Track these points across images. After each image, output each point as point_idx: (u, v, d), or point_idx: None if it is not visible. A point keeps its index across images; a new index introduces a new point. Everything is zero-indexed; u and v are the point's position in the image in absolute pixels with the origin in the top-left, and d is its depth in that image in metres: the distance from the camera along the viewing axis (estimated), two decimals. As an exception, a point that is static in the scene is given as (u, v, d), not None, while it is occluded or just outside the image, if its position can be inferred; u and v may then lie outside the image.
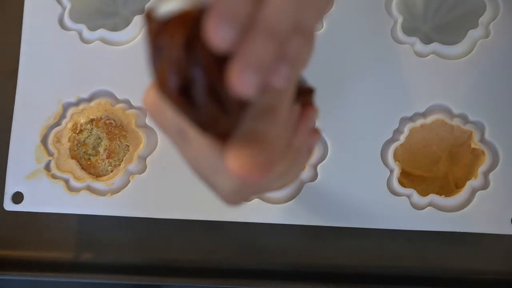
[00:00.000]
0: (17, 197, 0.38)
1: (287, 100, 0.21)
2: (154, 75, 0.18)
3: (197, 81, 0.17)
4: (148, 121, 0.39)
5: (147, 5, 0.38)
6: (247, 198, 0.24)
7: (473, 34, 0.39)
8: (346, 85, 0.39)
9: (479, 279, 0.41)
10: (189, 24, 0.17)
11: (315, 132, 0.25)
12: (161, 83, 0.18)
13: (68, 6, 0.41)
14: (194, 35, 0.17)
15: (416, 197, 0.37)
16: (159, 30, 0.17)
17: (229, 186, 0.21)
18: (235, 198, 0.23)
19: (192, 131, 0.20)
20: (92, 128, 0.39)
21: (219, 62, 0.17)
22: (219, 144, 0.19)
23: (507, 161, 0.37)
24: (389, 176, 0.37)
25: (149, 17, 0.18)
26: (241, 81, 0.16)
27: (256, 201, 0.37)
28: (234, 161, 0.18)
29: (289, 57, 0.18)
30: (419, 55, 0.39)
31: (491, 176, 0.37)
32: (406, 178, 0.40)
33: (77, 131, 0.39)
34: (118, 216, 0.38)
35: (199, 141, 0.20)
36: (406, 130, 0.38)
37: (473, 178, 0.37)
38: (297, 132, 0.23)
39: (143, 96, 0.22)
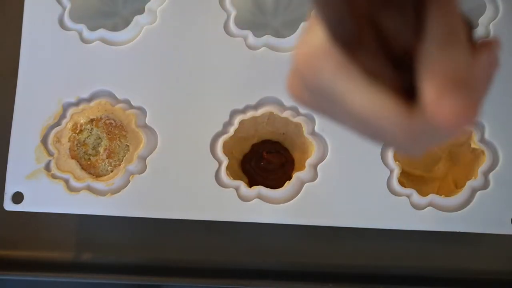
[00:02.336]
0: (17, 197, 0.38)
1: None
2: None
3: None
4: (148, 121, 0.39)
5: None
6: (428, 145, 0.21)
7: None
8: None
9: (479, 279, 0.41)
10: None
11: (495, 60, 0.21)
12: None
13: (68, 6, 0.41)
14: None
15: (416, 197, 0.37)
16: None
17: (409, 137, 0.18)
18: (418, 147, 0.20)
19: (353, 89, 0.18)
20: (92, 128, 0.39)
21: None
22: (393, 96, 0.17)
23: (507, 161, 0.37)
24: (389, 176, 0.37)
25: None
26: None
27: (256, 201, 0.37)
28: (444, 109, 0.16)
29: None
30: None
31: (491, 176, 0.37)
32: (406, 178, 0.40)
33: (77, 131, 0.39)
34: (118, 216, 0.38)
35: (364, 99, 0.18)
36: (406, 130, 0.38)
37: (473, 178, 0.37)
38: (479, 63, 0.19)
39: (295, 51, 0.19)
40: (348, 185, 0.38)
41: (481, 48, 0.19)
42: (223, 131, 0.39)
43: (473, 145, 0.38)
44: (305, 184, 0.38)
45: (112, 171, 0.39)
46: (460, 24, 0.17)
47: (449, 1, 0.17)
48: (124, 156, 0.39)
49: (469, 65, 0.17)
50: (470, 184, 0.37)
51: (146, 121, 0.39)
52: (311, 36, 0.19)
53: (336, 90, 0.18)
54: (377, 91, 0.18)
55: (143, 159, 0.39)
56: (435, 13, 0.17)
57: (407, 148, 0.20)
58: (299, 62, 0.19)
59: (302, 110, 0.39)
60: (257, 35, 0.40)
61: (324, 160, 0.38)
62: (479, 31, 0.39)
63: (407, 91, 0.18)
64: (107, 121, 0.39)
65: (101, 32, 0.40)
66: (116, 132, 0.39)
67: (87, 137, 0.39)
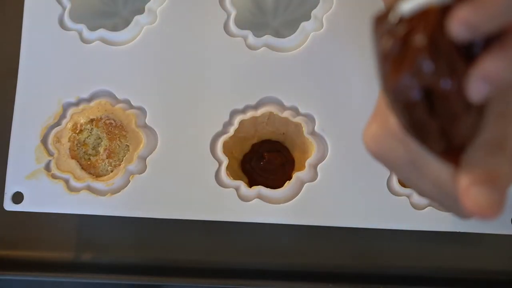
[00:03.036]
0: (17, 197, 0.38)
1: None
2: (386, 80, 0.18)
3: (442, 88, 0.16)
4: (148, 121, 0.39)
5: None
6: None
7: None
8: (346, 85, 0.39)
9: (479, 279, 0.41)
10: (432, 23, 0.16)
11: None
12: (397, 88, 0.17)
13: (68, 6, 0.41)
14: (438, 36, 0.16)
15: (416, 197, 0.37)
16: (396, 31, 0.17)
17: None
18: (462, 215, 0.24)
19: (425, 159, 0.20)
20: (92, 128, 0.39)
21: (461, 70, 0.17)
22: (453, 166, 0.20)
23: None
24: (389, 176, 0.37)
25: (380, 20, 0.17)
26: (477, 88, 0.17)
27: (256, 201, 0.37)
28: (469, 200, 0.18)
29: None
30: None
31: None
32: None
33: (77, 131, 0.39)
34: (118, 216, 0.38)
35: (434, 168, 0.20)
36: (406, 130, 0.38)
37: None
38: None
39: (365, 131, 0.22)
40: (348, 185, 0.38)
41: None
42: (223, 131, 0.39)
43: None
44: (305, 184, 0.38)
45: (112, 171, 0.39)
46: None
47: (509, 114, 0.19)
48: (124, 156, 0.39)
49: (508, 168, 0.20)
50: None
51: (146, 121, 0.39)
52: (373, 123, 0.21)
53: (400, 168, 0.22)
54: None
55: (143, 159, 0.39)
56: (493, 120, 0.19)
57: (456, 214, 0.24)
58: (369, 145, 0.22)
59: (302, 110, 0.39)
60: (257, 35, 0.40)
61: (324, 160, 0.38)
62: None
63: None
64: (107, 121, 0.39)
65: (101, 32, 0.40)
66: (116, 132, 0.39)
67: (87, 137, 0.39)
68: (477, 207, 0.18)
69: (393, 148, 0.21)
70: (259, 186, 0.37)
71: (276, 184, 0.38)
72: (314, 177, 0.38)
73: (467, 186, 0.19)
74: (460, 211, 0.22)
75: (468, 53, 0.17)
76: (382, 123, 0.21)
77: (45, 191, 0.38)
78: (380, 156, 0.22)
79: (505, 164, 0.19)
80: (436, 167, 0.20)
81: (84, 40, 0.40)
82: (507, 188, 0.19)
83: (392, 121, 0.20)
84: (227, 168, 0.38)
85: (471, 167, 0.19)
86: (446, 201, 0.22)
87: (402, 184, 0.38)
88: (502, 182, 0.19)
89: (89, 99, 0.40)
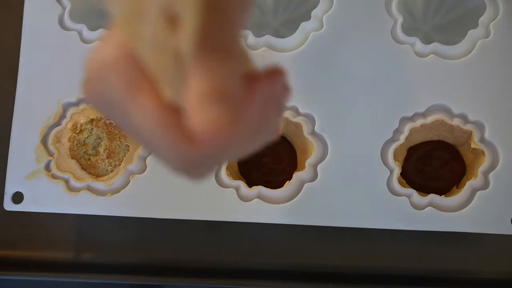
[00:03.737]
0: (17, 197, 0.38)
1: (238, 32, 0.19)
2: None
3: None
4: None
5: None
6: (212, 166, 0.21)
7: (473, 34, 0.39)
8: (346, 85, 0.39)
9: (479, 279, 0.41)
10: None
11: (285, 88, 0.21)
12: None
13: (68, 6, 0.41)
14: None
15: (416, 197, 0.37)
16: None
17: (191, 153, 0.18)
18: (199, 168, 0.20)
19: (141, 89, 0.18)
20: (92, 128, 0.39)
21: None
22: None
23: (507, 161, 0.37)
24: (389, 176, 0.37)
25: None
26: None
27: (256, 201, 0.37)
28: (200, 125, 0.16)
29: None
30: (419, 55, 0.39)
31: (491, 176, 0.37)
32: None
33: (77, 131, 0.39)
34: (118, 216, 0.38)
35: (147, 102, 0.18)
36: (406, 130, 0.38)
37: (473, 178, 0.37)
38: (259, 88, 0.19)
39: (89, 61, 0.19)
40: (348, 185, 0.37)
41: (261, 77, 0.19)
42: (223, 131, 0.39)
43: (473, 145, 0.38)
44: (305, 184, 0.38)
45: (112, 171, 0.39)
46: (235, 36, 0.18)
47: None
48: (124, 156, 0.39)
49: (237, 81, 0.17)
50: (470, 184, 0.37)
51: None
52: (107, 47, 0.18)
53: (119, 103, 0.18)
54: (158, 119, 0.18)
55: (143, 159, 0.39)
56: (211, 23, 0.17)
57: (187, 174, 0.21)
58: (92, 70, 0.19)
59: (302, 110, 0.39)
60: (257, 35, 0.40)
61: (324, 160, 0.38)
62: (479, 31, 0.39)
63: None
64: (107, 121, 0.39)
65: (101, 32, 0.40)
66: (116, 132, 0.39)
67: (87, 137, 0.39)
68: (209, 127, 0.16)
69: (108, 81, 0.18)
70: (259, 186, 0.37)
71: (276, 184, 0.38)
72: (314, 177, 0.38)
73: (194, 102, 0.16)
74: (181, 156, 0.18)
75: None
76: (98, 55, 0.19)
77: (45, 191, 0.38)
78: (99, 81, 0.19)
79: (232, 72, 0.17)
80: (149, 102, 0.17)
81: (84, 40, 0.40)
82: (239, 98, 0.17)
83: (108, 54, 0.18)
84: (227, 168, 0.38)
85: (196, 76, 0.16)
86: (157, 139, 0.18)
87: (402, 184, 0.38)
88: (232, 92, 0.17)
89: (89, 99, 0.40)
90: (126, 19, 0.17)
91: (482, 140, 0.38)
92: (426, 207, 0.37)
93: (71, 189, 0.38)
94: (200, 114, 0.16)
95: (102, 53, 0.19)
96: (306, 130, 0.38)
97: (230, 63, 0.17)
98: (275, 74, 0.20)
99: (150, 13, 0.16)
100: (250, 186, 0.38)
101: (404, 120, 0.38)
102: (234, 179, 0.38)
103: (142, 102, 0.18)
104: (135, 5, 0.17)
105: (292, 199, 0.37)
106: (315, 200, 0.37)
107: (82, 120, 0.39)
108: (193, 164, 0.19)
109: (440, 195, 0.37)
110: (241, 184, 0.38)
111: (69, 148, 0.39)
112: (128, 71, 0.18)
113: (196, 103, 0.16)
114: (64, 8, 0.41)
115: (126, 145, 0.39)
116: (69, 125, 0.39)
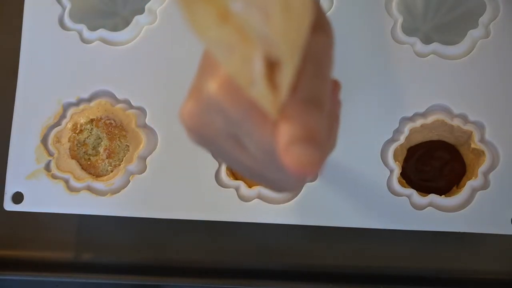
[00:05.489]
0: (17, 197, 0.38)
1: (330, 87, 0.21)
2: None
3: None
4: (148, 121, 0.39)
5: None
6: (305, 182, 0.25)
7: (473, 34, 0.39)
8: (346, 85, 0.39)
9: (479, 279, 0.41)
10: None
11: (339, 100, 0.26)
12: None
13: (68, 6, 0.41)
14: None
15: (416, 197, 0.37)
16: None
17: (291, 180, 0.22)
18: (297, 187, 0.24)
19: (244, 132, 0.20)
20: (92, 128, 0.39)
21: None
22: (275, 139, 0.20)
23: (507, 161, 0.37)
24: (389, 176, 0.37)
25: None
26: None
27: (256, 201, 0.37)
28: (290, 158, 0.18)
29: None
30: (419, 55, 0.39)
31: (491, 176, 0.37)
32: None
33: (77, 131, 0.39)
34: (118, 216, 0.38)
35: (255, 141, 0.20)
36: (406, 130, 0.38)
37: (473, 178, 0.37)
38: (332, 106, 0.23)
39: (181, 110, 0.21)
40: (348, 185, 0.37)
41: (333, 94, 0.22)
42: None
43: (473, 145, 0.38)
44: (305, 184, 0.38)
45: (112, 171, 0.39)
46: (326, 90, 0.20)
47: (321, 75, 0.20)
48: (124, 156, 0.39)
49: (325, 127, 0.20)
50: (470, 184, 0.37)
51: (146, 121, 0.39)
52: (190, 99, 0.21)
53: (219, 144, 0.22)
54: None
55: (143, 159, 0.39)
56: (307, 79, 0.20)
57: (291, 187, 0.25)
58: (186, 120, 0.21)
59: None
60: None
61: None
62: (479, 31, 0.39)
63: None
64: (107, 121, 0.39)
65: (101, 32, 0.40)
66: (116, 132, 0.39)
67: (87, 137, 0.39)
68: (298, 164, 0.18)
69: (211, 121, 0.21)
70: (259, 186, 0.37)
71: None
72: (314, 177, 0.38)
73: (287, 143, 0.19)
74: (284, 178, 0.21)
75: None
76: (198, 96, 0.21)
77: (45, 191, 0.38)
78: (199, 132, 0.21)
79: (322, 121, 0.20)
80: (258, 132, 0.20)
81: (84, 40, 0.40)
82: (325, 145, 0.20)
83: (209, 92, 0.20)
84: (227, 168, 0.38)
85: (290, 124, 0.19)
86: (269, 169, 0.22)
87: (402, 184, 0.38)
88: (321, 139, 0.19)
89: (89, 99, 0.40)
90: (231, 54, 0.18)
91: (482, 140, 0.38)
92: (426, 207, 0.37)
93: (71, 189, 0.38)
94: (291, 154, 0.18)
95: (186, 110, 0.21)
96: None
97: (323, 115, 0.20)
98: (337, 88, 0.22)
99: (254, 54, 0.18)
100: (250, 186, 0.38)
101: (404, 120, 0.38)
102: (234, 179, 0.38)
103: (266, 126, 0.20)
104: (241, 44, 0.17)
105: (292, 199, 0.37)
106: (315, 200, 0.37)
107: (82, 120, 0.39)
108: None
109: (440, 195, 0.37)
110: (241, 184, 0.38)
111: (69, 148, 0.39)
112: (244, 101, 0.19)
113: (289, 143, 0.19)
114: (64, 8, 0.41)
115: (126, 145, 0.39)
116: (69, 125, 0.39)
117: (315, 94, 0.20)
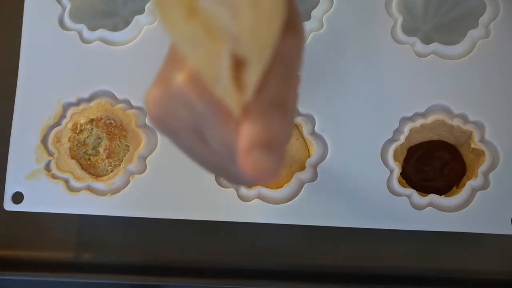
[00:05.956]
0: (17, 197, 0.38)
1: (295, 90, 0.21)
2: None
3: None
4: (148, 121, 0.39)
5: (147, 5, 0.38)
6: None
7: (473, 34, 0.39)
8: (346, 85, 0.39)
9: (479, 279, 0.41)
10: None
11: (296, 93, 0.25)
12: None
13: (68, 6, 0.41)
14: None
15: (416, 197, 0.37)
16: None
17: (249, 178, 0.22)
18: (255, 183, 0.24)
19: (208, 126, 0.20)
20: (92, 128, 0.39)
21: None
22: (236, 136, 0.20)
23: (507, 161, 0.37)
24: (389, 176, 0.37)
25: None
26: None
27: (256, 201, 0.37)
28: (248, 167, 0.19)
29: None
30: (419, 55, 0.39)
31: (491, 176, 0.37)
32: (406, 178, 0.40)
33: (77, 131, 0.39)
34: (118, 216, 0.38)
35: (217, 136, 0.20)
36: (406, 130, 0.38)
37: (473, 178, 0.37)
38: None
39: (146, 96, 0.21)
40: (348, 185, 0.37)
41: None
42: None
43: (473, 145, 0.38)
44: (305, 184, 0.38)
45: (112, 171, 0.39)
46: (292, 93, 0.21)
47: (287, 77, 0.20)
48: (124, 156, 0.39)
49: (286, 131, 0.20)
50: (470, 184, 0.37)
51: (146, 121, 0.39)
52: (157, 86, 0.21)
53: (182, 136, 0.22)
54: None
55: (143, 159, 0.39)
56: (275, 80, 0.20)
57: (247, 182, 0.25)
58: (150, 107, 0.21)
59: (302, 110, 0.39)
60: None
61: (324, 160, 0.38)
62: (479, 31, 0.39)
63: None
64: (107, 121, 0.39)
65: (101, 32, 0.40)
66: (116, 132, 0.39)
67: (87, 137, 0.39)
68: (255, 169, 0.18)
69: (175, 111, 0.20)
70: (259, 186, 0.37)
71: (276, 184, 0.38)
72: (314, 177, 0.38)
73: (247, 146, 0.19)
74: (242, 174, 0.21)
75: None
76: (164, 85, 0.20)
77: (45, 191, 0.38)
78: (163, 121, 0.21)
79: (285, 125, 0.20)
80: (221, 128, 0.20)
81: (84, 40, 0.40)
82: (284, 148, 0.20)
83: (176, 84, 0.20)
84: (227, 168, 0.38)
85: (252, 126, 0.19)
86: (229, 163, 0.22)
87: (402, 184, 0.38)
88: (281, 144, 0.19)
89: (89, 99, 0.40)
90: (196, 49, 0.18)
91: (482, 140, 0.38)
92: (426, 207, 0.37)
93: (71, 189, 0.38)
94: (250, 159, 0.19)
95: (151, 96, 0.21)
96: (306, 130, 0.38)
97: (287, 119, 0.20)
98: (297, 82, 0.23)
99: (220, 50, 0.17)
100: (250, 185, 0.38)
101: (404, 120, 0.38)
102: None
103: (230, 123, 0.20)
104: (207, 40, 0.17)
105: (292, 199, 0.37)
106: (315, 200, 0.37)
107: (82, 120, 0.39)
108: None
109: (440, 195, 0.37)
110: (241, 184, 0.38)
111: (69, 148, 0.39)
112: (210, 95, 0.19)
113: (249, 148, 0.19)
114: (64, 8, 0.41)
115: (126, 145, 0.39)
116: (69, 125, 0.39)
117: (281, 97, 0.20)
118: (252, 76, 0.18)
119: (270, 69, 0.19)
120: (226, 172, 0.23)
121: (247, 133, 0.19)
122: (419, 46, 0.39)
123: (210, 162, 0.23)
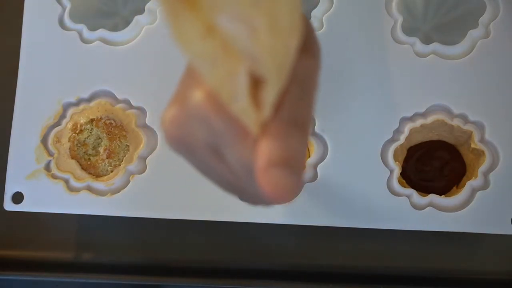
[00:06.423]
0: (17, 197, 0.38)
1: (312, 113, 0.21)
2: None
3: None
4: (148, 121, 0.39)
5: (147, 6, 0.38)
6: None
7: (473, 34, 0.39)
8: (346, 85, 0.39)
9: (479, 279, 0.41)
10: None
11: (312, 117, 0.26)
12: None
13: (68, 6, 0.41)
14: None
15: (416, 197, 0.37)
16: None
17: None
18: (273, 204, 0.24)
19: (225, 144, 0.20)
20: (92, 128, 0.39)
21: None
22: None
23: (507, 161, 0.37)
24: (389, 176, 0.37)
25: None
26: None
27: (256, 201, 0.37)
28: (267, 185, 0.18)
29: None
30: (419, 55, 0.39)
31: (491, 176, 0.37)
32: (406, 178, 0.40)
33: (77, 131, 0.39)
34: (118, 216, 0.38)
35: (235, 154, 0.20)
36: (406, 130, 0.38)
37: (473, 178, 0.37)
38: None
39: (163, 117, 0.21)
40: (348, 185, 0.37)
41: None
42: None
43: (473, 145, 0.38)
44: (305, 184, 0.38)
45: (112, 171, 0.39)
46: (310, 114, 0.21)
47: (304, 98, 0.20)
48: (124, 156, 0.39)
49: (305, 151, 0.20)
50: (470, 184, 0.37)
51: (146, 121, 0.39)
52: (173, 106, 0.21)
53: (199, 154, 0.21)
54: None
55: (143, 159, 0.39)
56: (290, 102, 0.20)
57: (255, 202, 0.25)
58: (167, 127, 0.21)
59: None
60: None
61: (324, 160, 0.38)
62: (479, 31, 0.39)
63: None
64: (107, 121, 0.39)
65: (101, 32, 0.40)
66: (116, 132, 0.39)
67: (87, 137, 0.39)
68: (274, 188, 0.18)
69: (193, 130, 0.20)
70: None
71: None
72: (314, 177, 0.38)
73: (266, 164, 0.18)
74: (260, 194, 0.21)
75: None
76: (182, 104, 0.20)
77: (45, 191, 0.38)
78: (180, 140, 0.21)
79: (303, 145, 0.20)
80: (239, 146, 0.20)
81: (84, 40, 0.40)
82: (302, 167, 0.20)
83: (193, 102, 0.20)
84: (227, 168, 0.38)
85: (271, 144, 0.19)
86: (247, 183, 0.21)
87: (402, 184, 0.38)
88: (300, 163, 0.19)
89: (89, 99, 0.40)
90: (213, 67, 0.18)
91: (482, 140, 0.38)
92: (426, 207, 0.37)
93: (71, 189, 0.38)
94: (269, 177, 0.18)
95: (168, 117, 0.20)
96: (306, 130, 0.38)
97: (304, 138, 0.20)
98: None
99: (238, 69, 0.17)
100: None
101: (404, 120, 0.38)
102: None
103: (247, 141, 0.20)
104: (224, 58, 0.17)
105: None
106: (315, 200, 0.37)
107: (82, 120, 0.39)
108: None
109: (440, 195, 0.37)
110: (241, 184, 0.38)
111: (69, 148, 0.39)
112: (228, 113, 0.19)
113: (268, 165, 0.18)
114: (64, 8, 0.41)
115: (126, 145, 0.39)
116: (69, 125, 0.39)
117: (298, 116, 0.20)
118: (270, 94, 0.18)
119: (287, 89, 0.19)
120: (243, 191, 0.23)
121: (265, 151, 0.19)
122: (419, 46, 0.39)
123: (227, 181, 0.22)
